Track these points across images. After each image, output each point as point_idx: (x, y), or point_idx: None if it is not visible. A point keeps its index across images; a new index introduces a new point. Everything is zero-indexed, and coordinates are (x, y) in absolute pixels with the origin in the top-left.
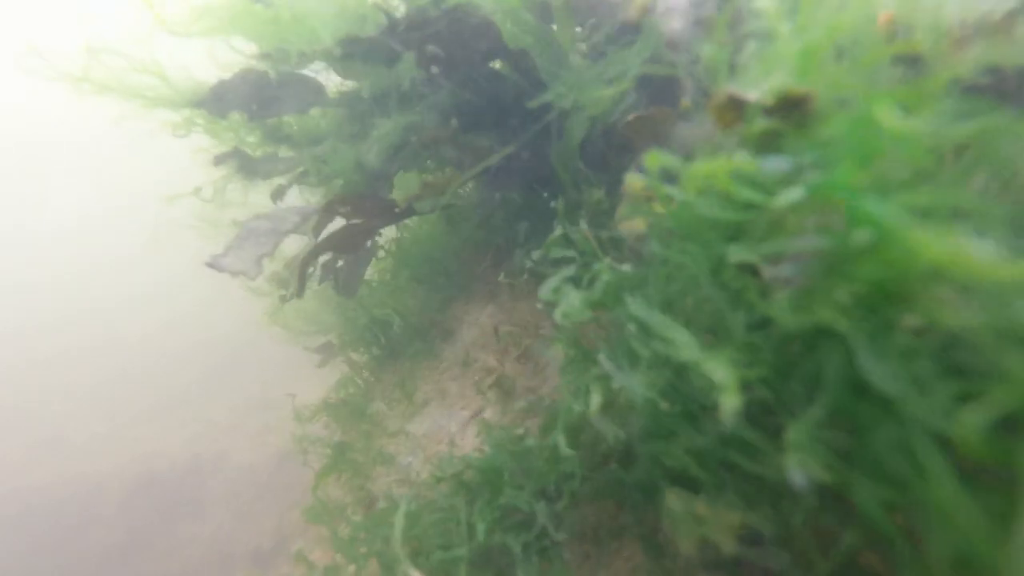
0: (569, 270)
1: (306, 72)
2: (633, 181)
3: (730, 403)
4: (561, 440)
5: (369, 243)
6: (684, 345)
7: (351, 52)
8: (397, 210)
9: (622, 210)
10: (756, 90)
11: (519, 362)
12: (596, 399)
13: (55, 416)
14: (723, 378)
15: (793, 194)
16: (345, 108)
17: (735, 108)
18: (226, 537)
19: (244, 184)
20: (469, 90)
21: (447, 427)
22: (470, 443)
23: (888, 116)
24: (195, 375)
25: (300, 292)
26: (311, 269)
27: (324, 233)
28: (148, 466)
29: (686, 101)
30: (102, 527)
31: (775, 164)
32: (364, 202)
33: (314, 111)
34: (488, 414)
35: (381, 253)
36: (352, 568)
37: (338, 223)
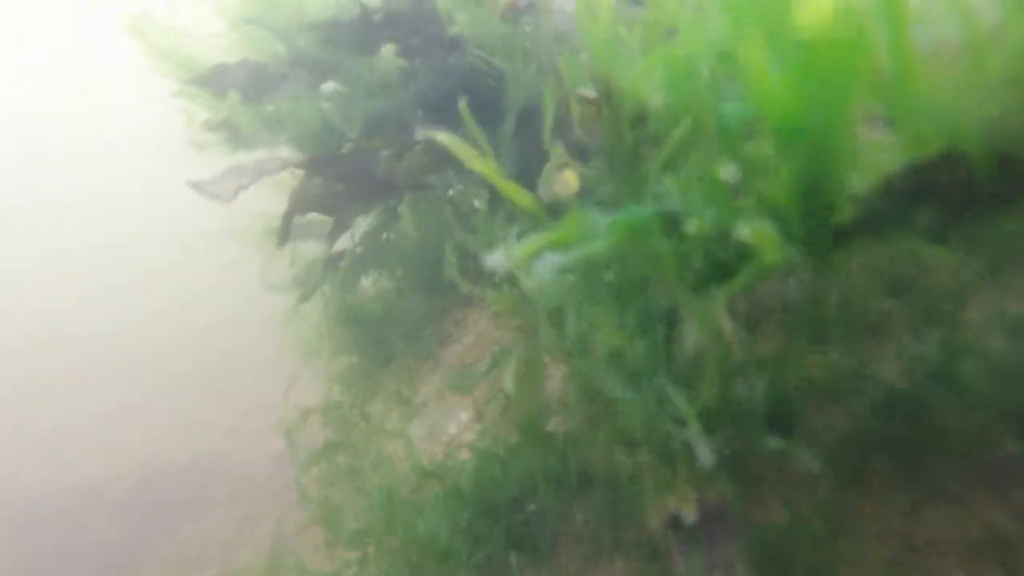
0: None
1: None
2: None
3: None
4: None
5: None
6: None
7: (333, 35)
8: (378, 174)
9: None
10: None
11: None
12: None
13: (54, 416)
14: None
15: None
16: (332, 102)
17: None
18: (225, 538)
19: (233, 151)
20: (442, 80)
21: (446, 429)
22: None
23: None
24: (195, 376)
25: (282, 242)
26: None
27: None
28: (148, 466)
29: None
30: (102, 527)
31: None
32: (346, 162)
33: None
34: (485, 416)
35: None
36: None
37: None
